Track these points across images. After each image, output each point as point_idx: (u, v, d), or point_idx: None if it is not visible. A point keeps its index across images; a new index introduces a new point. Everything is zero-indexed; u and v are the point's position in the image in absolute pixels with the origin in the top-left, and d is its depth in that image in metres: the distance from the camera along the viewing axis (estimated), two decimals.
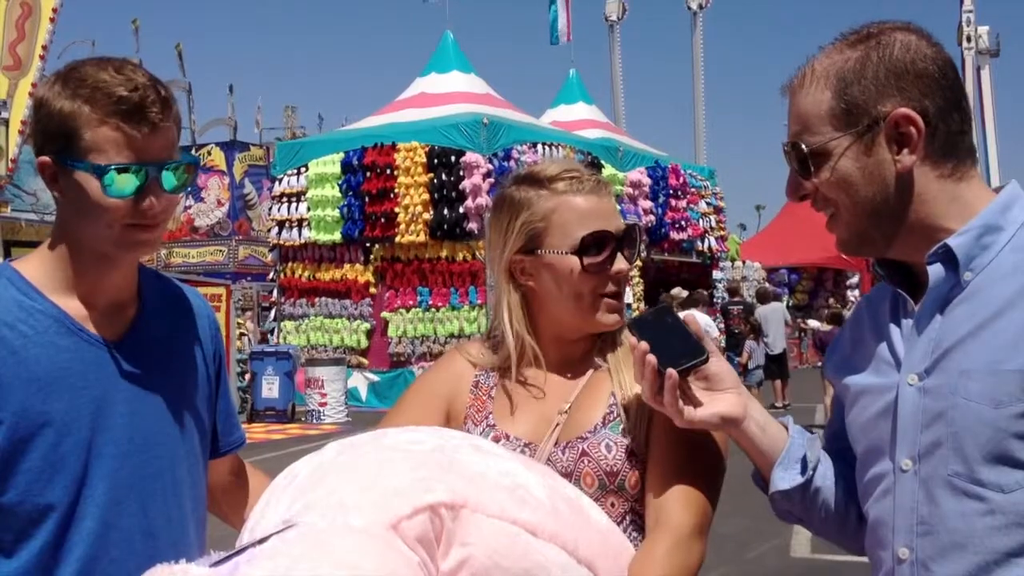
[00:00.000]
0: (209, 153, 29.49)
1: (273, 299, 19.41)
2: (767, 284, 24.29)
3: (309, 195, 17.64)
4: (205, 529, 1.83)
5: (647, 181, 20.28)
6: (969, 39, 35.28)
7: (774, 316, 16.45)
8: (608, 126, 23.43)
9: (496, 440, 1.66)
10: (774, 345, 16.21)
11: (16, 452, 1.56)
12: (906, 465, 1.38)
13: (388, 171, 16.82)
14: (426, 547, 1.29)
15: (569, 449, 1.64)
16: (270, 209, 19.34)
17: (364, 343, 17.40)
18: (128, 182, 1.58)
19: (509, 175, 1.81)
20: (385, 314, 17.08)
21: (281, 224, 18.10)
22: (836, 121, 1.39)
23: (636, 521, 1.62)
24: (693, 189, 22.21)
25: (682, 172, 21.92)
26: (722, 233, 24.00)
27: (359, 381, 17.15)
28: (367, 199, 17.01)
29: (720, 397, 1.52)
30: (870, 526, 1.46)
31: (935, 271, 1.37)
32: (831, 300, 27.33)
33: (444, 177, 16.34)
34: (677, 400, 1.50)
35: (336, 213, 17.36)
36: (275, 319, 18.92)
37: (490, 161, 16.27)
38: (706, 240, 22.65)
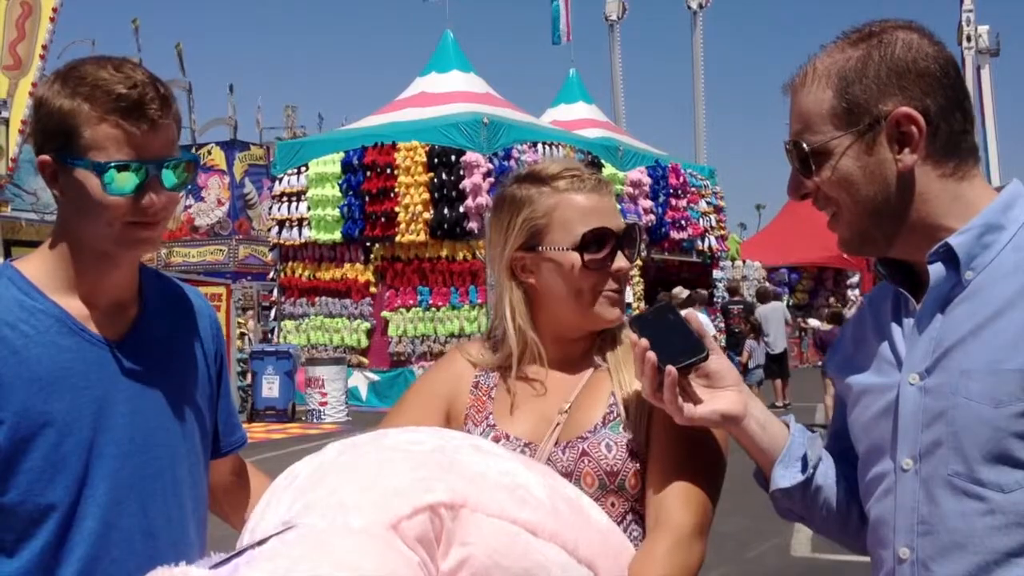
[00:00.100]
0: (209, 152, 29.47)
1: (273, 298, 19.41)
2: (767, 283, 24.28)
3: (309, 194, 17.64)
4: (206, 529, 1.82)
5: (647, 180, 20.28)
6: (969, 38, 35.27)
7: (774, 315, 16.45)
8: (608, 125, 23.43)
9: (496, 440, 1.66)
10: (775, 344, 16.21)
11: (17, 452, 1.56)
12: (907, 465, 1.37)
13: (388, 170, 16.82)
14: (426, 547, 1.29)
15: (569, 449, 1.64)
16: (270, 208, 19.34)
17: (364, 342, 17.40)
18: (128, 179, 1.58)
19: (510, 175, 1.81)
20: (385, 313, 17.08)
21: (281, 223, 18.11)
22: (837, 120, 1.39)
23: (636, 521, 1.62)
24: (693, 188, 22.21)
25: (682, 171, 21.91)
26: (722, 232, 24.00)
27: (359, 380, 17.15)
28: (367, 198, 17.00)
29: (720, 395, 1.52)
30: (871, 525, 1.46)
31: (936, 270, 1.37)
32: (831, 299, 27.32)
33: (444, 176, 16.34)
34: (676, 397, 1.50)
35: (336, 212, 17.36)
36: (275, 318, 18.92)
37: (490, 160, 16.27)
38: (706, 239, 22.64)
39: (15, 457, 1.56)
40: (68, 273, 1.65)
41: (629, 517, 1.62)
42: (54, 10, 14.82)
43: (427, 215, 16.45)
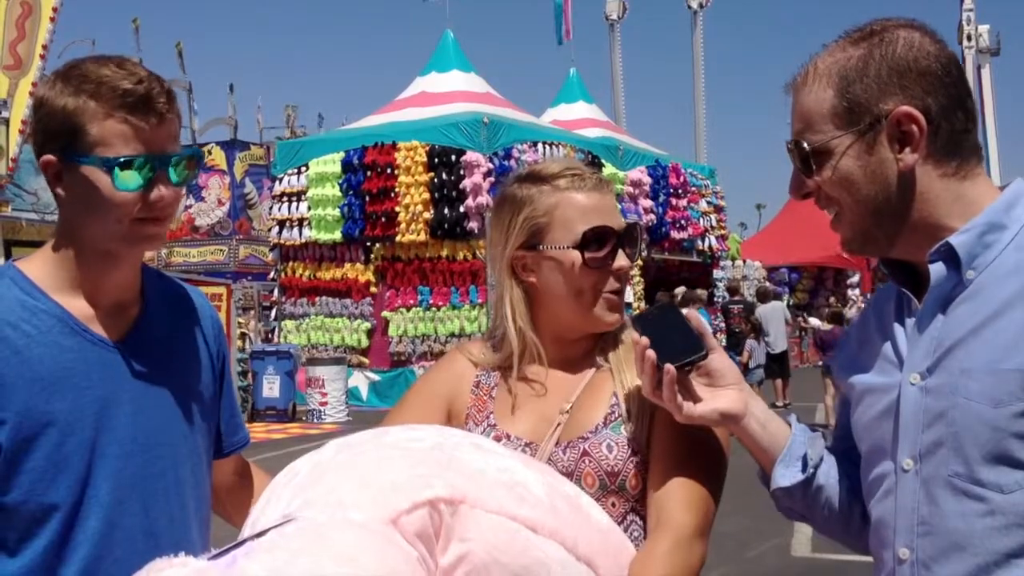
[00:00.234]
0: (210, 152, 29.45)
1: (274, 298, 19.41)
2: (767, 283, 24.28)
3: (310, 194, 17.64)
4: (209, 529, 1.82)
5: (647, 180, 20.29)
6: (969, 38, 35.23)
7: (774, 315, 16.46)
8: (608, 125, 23.44)
9: (497, 440, 1.67)
10: (775, 344, 16.22)
11: (20, 452, 1.56)
12: (907, 465, 1.37)
13: (388, 170, 16.83)
14: (425, 542, 1.29)
15: (570, 449, 1.64)
16: (271, 208, 19.35)
17: (365, 342, 17.40)
18: (137, 175, 1.59)
19: (511, 174, 1.81)
20: (386, 313, 17.09)
21: (282, 223, 18.11)
22: (838, 120, 1.39)
23: (637, 521, 1.62)
24: (693, 188, 22.21)
25: (682, 171, 21.92)
26: (723, 232, 24.00)
27: (360, 380, 17.15)
28: (368, 198, 17.01)
29: (721, 393, 1.53)
30: (873, 526, 1.45)
31: (937, 269, 1.37)
32: (832, 299, 27.30)
33: (444, 176, 16.34)
34: (676, 395, 1.50)
35: (337, 212, 17.36)
36: (276, 318, 18.92)
37: (490, 160, 16.27)
38: (707, 239, 22.64)
39: (17, 457, 1.56)
40: (70, 273, 1.66)
41: (630, 517, 1.62)
42: (54, 10, 14.82)
43: (427, 215, 16.46)
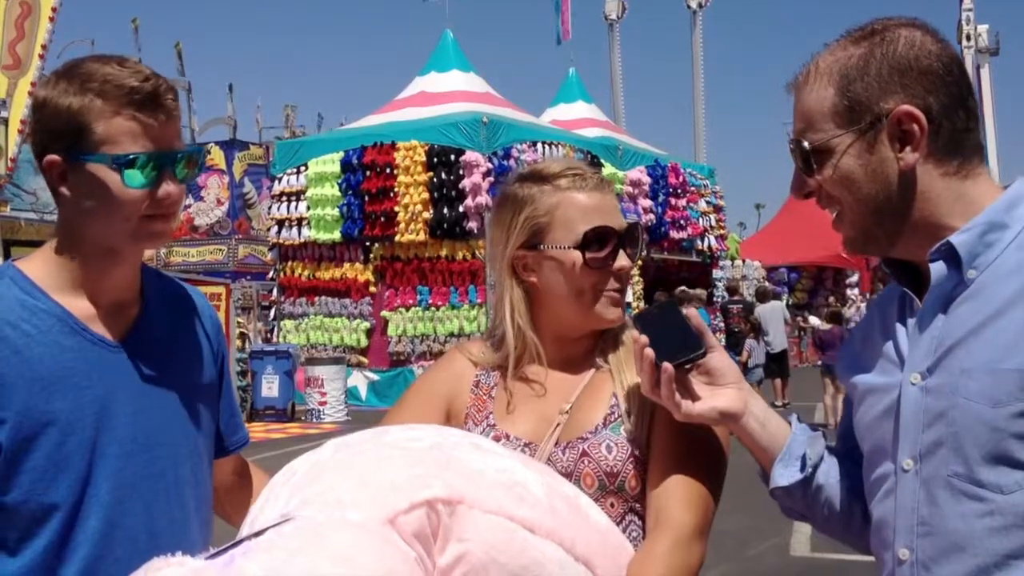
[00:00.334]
0: (209, 152, 29.44)
1: (273, 298, 19.41)
2: (766, 283, 24.29)
3: (309, 194, 17.64)
4: (210, 529, 1.82)
5: (647, 180, 20.29)
6: (969, 37, 35.24)
7: (773, 315, 16.46)
8: (608, 125, 23.44)
9: (496, 440, 1.67)
10: (774, 344, 16.22)
11: (20, 451, 1.56)
12: (908, 465, 1.36)
13: (388, 170, 16.83)
14: (423, 542, 1.29)
15: (569, 449, 1.64)
16: (270, 208, 19.35)
17: (364, 342, 17.40)
18: (147, 171, 1.59)
19: (511, 174, 1.81)
20: (385, 313, 17.09)
21: (281, 223, 18.11)
22: (839, 118, 1.38)
23: (636, 522, 1.62)
24: (693, 188, 22.22)
25: (682, 171, 21.93)
26: (722, 232, 24.02)
27: (359, 380, 17.16)
28: (367, 198, 17.01)
29: (720, 392, 1.53)
30: (874, 526, 1.45)
31: (937, 269, 1.36)
32: (831, 299, 27.30)
33: (444, 176, 16.34)
34: (674, 393, 1.50)
35: (336, 212, 17.36)
36: (275, 318, 18.92)
37: (490, 160, 16.28)
38: (706, 239, 22.65)
39: (17, 456, 1.56)
40: (71, 273, 1.66)
41: (628, 518, 1.62)
42: (53, 10, 14.81)
43: (426, 215, 16.46)
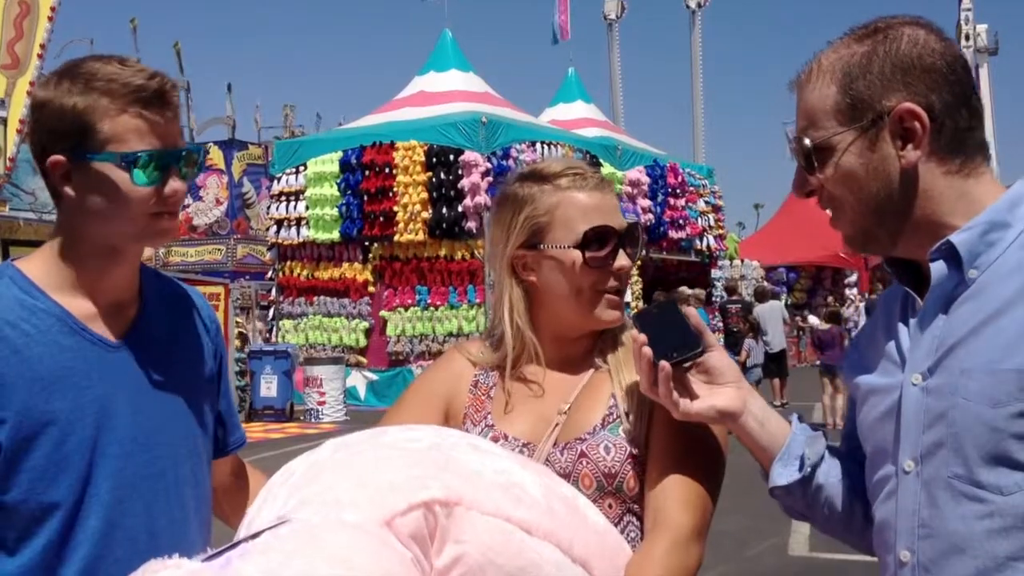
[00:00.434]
0: (207, 152, 29.44)
1: (271, 298, 19.41)
2: (765, 283, 24.29)
3: (308, 194, 17.64)
4: (210, 530, 1.82)
5: (646, 180, 20.30)
6: (968, 37, 35.30)
7: (772, 315, 16.45)
8: (607, 125, 23.44)
9: (495, 440, 1.67)
10: (773, 343, 16.21)
11: (19, 451, 1.57)
12: (909, 467, 1.36)
13: (387, 170, 16.82)
14: (420, 544, 1.29)
15: (568, 450, 1.64)
16: (268, 208, 19.34)
17: (363, 342, 17.40)
18: (155, 169, 1.60)
19: (512, 173, 1.81)
20: (384, 313, 17.08)
21: (279, 223, 18.10)
22: (841, 116, 1.38)
23: (634, 523, 1.62)
24: (692, 188, 22.23)
25: (681, 171, 21.93)
26: (721, 232, 24.03)
27: (358, 380, 17.15)
28: (366, 198, 17.01)
29: (719, 391, 1.53)
30: (876, 528, 1.44)
31: (937, 268, 1.35)
32: (829, 299, 27.33)
33: (443, 176, 16.34)
34: (671, 392, 1.50)
35: (335, 212, 17.36)
36: (273, 318, 18.91)
37: (489, 160, 16.27)
38: (705, 239, 22.66)
39: (17, 456, 1.57)
40: (70, 273, 1.66)
41: (626, 519, 1.62)
42: (52, 9, 14.80)
43: (425, 214, 16.45)
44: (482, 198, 15.74)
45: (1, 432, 1.55)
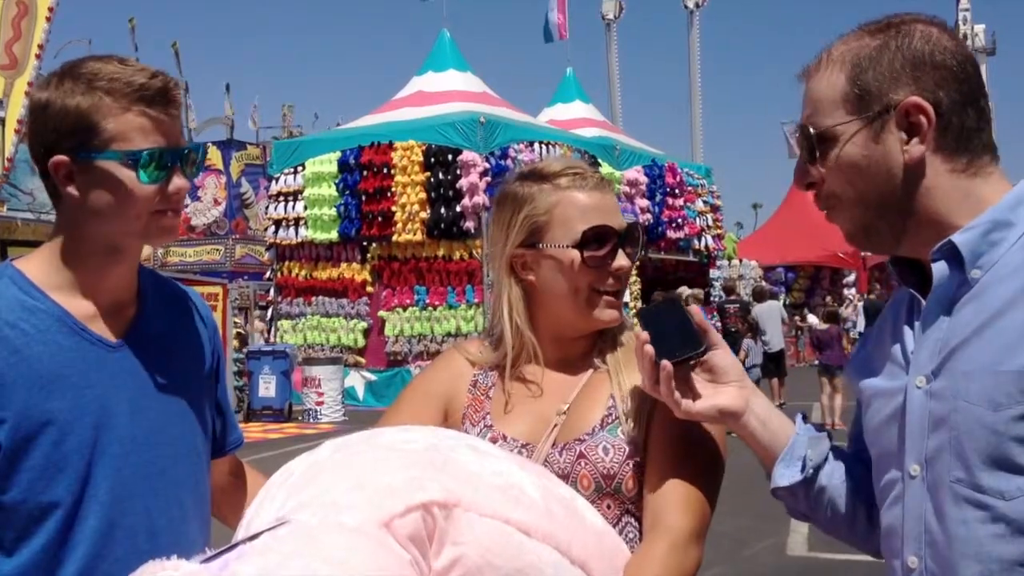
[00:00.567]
0: (208, 150, 29.41)
1: (270, 298, 19.41)
2: (763, 282, 24.30)
3: (306, 194, 17.63)
4: (209, 529, 1.82)
5: (644, 180, 20.30)
6: (965, 37, 35.31)
7: (771, 315, 16.44)
8: (605, 125, 23.45)
9: (493, 440, 1.66)
10: (772, 343, 16.21)
11: (19, 450, 1.57)
12: (914, 471, 1.34)
13: (385, 170, 16.82)
14: (418, 545, 1.29)
15: (566, 451, 1.64)
16: (267, 208, 19.33)
17: (361, 342, 17.40)
18: (160, 166, 1.61)
19: (511, 173, 1.81)
20: (382, 313, 17.08)
21: (278, 223, 18.10)
22: (848, 106, 1.36)
23: (632, 524, 1.62)
24: (690, 187, 22.23)
25: (679, 170, 21.93)
26: (719, 231, 24.03)
27: (356, 380, 17.14)
28: (364, 198, 17.01)
29: (721, 390, 1.52)
30: (883, 533, 1.42)
31: (939, 268, 1.34)
32: (828, 298, 27.35)
33: (441, 176, 16.34)
34: (673, 391, 1.50)
35: (333, 212, 17.35)
36: (272, 318, 18.91)
37: (487, 160, 16.27)
38: (703, 238, 22.67)
39: (16, 456, 1.57)
40: (69, 273, 1.66)
41: (625, 520, 1.62)
42: (50, 9, 14.78)
43: (424, 214, 16.45)
44: (480, 198, 15.74)
45: (0, 432, 1.55)
